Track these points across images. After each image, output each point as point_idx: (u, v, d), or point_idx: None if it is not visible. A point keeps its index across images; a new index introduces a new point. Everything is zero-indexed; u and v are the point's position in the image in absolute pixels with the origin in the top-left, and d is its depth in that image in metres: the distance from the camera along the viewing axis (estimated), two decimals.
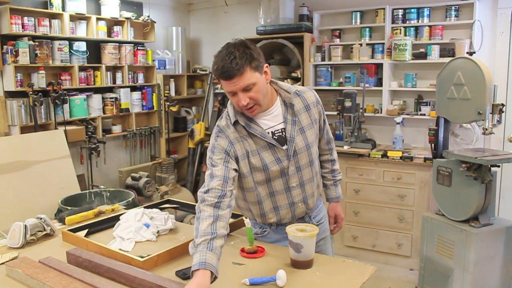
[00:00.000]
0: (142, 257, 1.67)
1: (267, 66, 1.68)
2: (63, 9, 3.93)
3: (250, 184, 1.79)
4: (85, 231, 2.01)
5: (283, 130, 1.76)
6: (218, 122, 1.78)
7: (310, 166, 1.83)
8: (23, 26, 3.61)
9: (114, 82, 4.40)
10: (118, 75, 4.42)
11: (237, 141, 1.73)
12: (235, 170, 1.70)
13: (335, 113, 3.99)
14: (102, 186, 3.79)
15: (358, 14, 4.25)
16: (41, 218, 2.03)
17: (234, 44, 1.61)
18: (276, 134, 1.76)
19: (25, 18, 3.62)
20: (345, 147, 3.85)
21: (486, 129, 2.75)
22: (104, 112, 4.32)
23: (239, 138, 1.73)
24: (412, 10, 3.97)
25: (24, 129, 3.63)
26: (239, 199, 1.90)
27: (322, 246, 2.00)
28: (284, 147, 1.75)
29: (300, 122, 1.78)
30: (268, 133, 1.75)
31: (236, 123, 1.74)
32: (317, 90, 2.24)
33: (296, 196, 1.83)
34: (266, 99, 1.70)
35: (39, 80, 3.72)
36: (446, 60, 3.32)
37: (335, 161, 2.07)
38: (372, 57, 4.17)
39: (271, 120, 1.76)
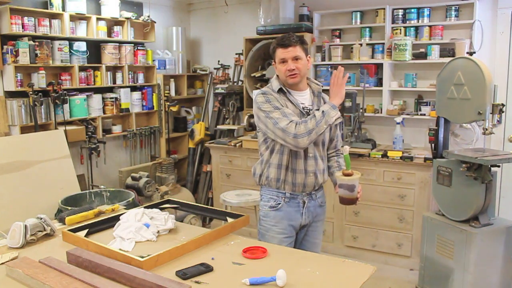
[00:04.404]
0: (142, 257, 1.68)
1: (309, 57, 2.24)
2: (63, 9, 3.93)
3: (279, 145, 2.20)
4: (85, 231, 2.01)
5: (310, 109, 2.24)
6: (260, 91, 2.26)
7: (321, 146, 2.27)
8: (23, 26, 3.61)
9: (114, 82, 4.39)
10: (118, 75, 4.42)
11: (277, 102, 2.17)
12: None
13: None
14: (102, 186, 3.79)
15: (358, 14, 4.25)
16: (41, 218, 2.04)
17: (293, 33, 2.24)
18: (305, 110, 2.23)
19: (25, 18, 3.62)
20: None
21: (486, 129, 2.75)
22: (104, 112, 4.32)
23: (278, 100, 2.18)
24: (412, 10, 3.97)
25: (24, 129, 3.63)
26: (267, 166, 2.27)
27: (319, 228, 2.38)
28: None
29: None
30: (301, 106, 2.23)
31: (279, 91, 2.21)
32: None
33: (310, 166, 2.22)
34: (304, 77, 2.24)
35: (39, 80, 3.72)
36: (446, 60, 3.32)
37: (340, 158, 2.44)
38: (372, 57, 4.17)
39: (303, 99, 2.26)
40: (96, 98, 4.21)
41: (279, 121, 2.08)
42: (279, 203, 2.24)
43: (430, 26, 3.92)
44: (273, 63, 2.27)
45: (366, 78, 4.15)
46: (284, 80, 2.21)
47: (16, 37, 3.61)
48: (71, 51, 4.01)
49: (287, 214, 2.24)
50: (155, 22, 4.73)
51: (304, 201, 2.26)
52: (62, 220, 2.23)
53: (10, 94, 3.65)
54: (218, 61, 5.28)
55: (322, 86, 2.35)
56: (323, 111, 2.08)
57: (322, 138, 2.24)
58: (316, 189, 2.30)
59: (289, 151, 2.19)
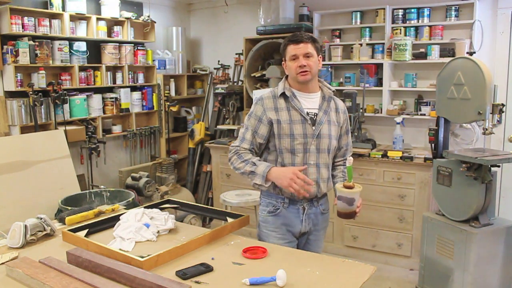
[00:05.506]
0: (142, 257, 1.67)
1: (321, 57, 2.15)
2: (63, 9, 3.93)
3: (277, 146, 2.12)
4: (85, 231, 2.01)
5: (315, 114, 2.14)
6: (260, 96, 2.20)
7: (327, 153, 2.15)
8: (23, 26, 3.61)
9: (114, 82, 4.39)
10: (118, 75, 4.42)
11: (271, 110, 2.11)
12: (262, 135, 2.12)
13: None
14: (102, 186, 3.79)
15: (358, 14, 4.25)
16: (41, 218, 2.04)
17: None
18: (310, 115, 2.13)
19: (25, 18, 3.62)
20: None
21: (486, 129, 2.75)
22: (104, 112, 4.32)
23: (274, 108, 2.12)
24: (412, 10, 3.97)
25: (24, 129, 3.63)
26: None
27: (321, 236, 2.30)
28: (313, 127, 2.11)
29: (330, 115, 2.16)
30: (305, 111, 2.12)
31: (282, 95, 2.13)
32: None
33: (311, 174, 2.11)
34: (315, 77, 2.14)
35: (39, 80, 3.72)
36: (446, 60, 3.32)
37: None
38: (372, 57, 4.17)
39: (310, 103, 2.15)
40: (96, 98, 4.21)
41: (237, 139, 2.19)
42: (278, 208, 2.15)
43: (430, 26, 3.92)
44: (283, 62, 2.17)
45: (366, 78, 4.15)
46: (294, 78, 2.09)
47: (16, 37, 3.61)
48: (71, 51, 4.01)
49: (286, 219, 2.15)
50: (155, 22, 4.73)
51: (304, 208, 2.15)
52: (62, 220, 2.23)
53: (10, 94, 3.65)
54: (218, 61, 5.28)
55: (334, 91, 2.21)
56: (252, 171, 2.06)
57: (327, 145, 2.12)
58: (319, 196, 2.19)
59: (287, 161, 2.09)
